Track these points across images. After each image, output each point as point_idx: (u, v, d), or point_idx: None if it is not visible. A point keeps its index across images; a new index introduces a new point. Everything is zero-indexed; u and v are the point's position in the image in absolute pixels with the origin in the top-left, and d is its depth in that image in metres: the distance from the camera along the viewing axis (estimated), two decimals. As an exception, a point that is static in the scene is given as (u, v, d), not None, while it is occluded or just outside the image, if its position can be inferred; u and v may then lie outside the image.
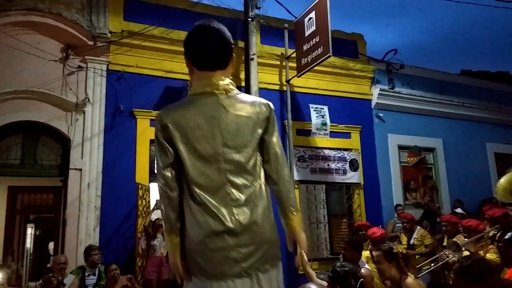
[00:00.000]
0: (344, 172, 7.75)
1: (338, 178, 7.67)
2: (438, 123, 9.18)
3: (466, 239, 4.88)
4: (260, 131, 1.79)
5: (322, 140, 7.67)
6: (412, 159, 8.63)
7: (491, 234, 5.07)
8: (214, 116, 1.72)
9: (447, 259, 4.70)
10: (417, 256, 5.93)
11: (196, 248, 1.68)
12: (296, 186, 7.19)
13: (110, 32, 6.47)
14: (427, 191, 8.59)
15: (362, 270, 4.04)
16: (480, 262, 2.78)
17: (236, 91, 1.83)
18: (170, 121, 1.72)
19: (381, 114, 8.46)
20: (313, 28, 6.75)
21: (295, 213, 1.85)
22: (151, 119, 6.49)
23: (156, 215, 6.57)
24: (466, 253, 4.52)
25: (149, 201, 6.37)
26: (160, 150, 1.74)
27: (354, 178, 7.81)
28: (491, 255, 4.39)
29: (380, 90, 8.43)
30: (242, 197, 1.70)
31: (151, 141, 6.49)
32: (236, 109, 1.76)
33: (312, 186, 7.71)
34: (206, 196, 1.68)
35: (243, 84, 7.01)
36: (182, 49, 7.08)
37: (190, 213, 1.70)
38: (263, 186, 1.79)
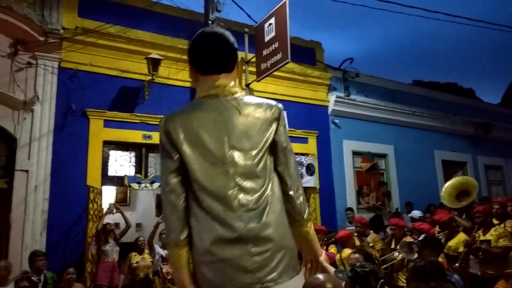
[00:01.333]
0: (301, 177, 7.87)
1: (295, 182, 7.77)
2: (390, 130, 9.56)
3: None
4: (269, 132, 1.69)
5: (280, 145, 7.75)
6: (365, 164, 8.92)
7: (440, 237, 5.34)
8: (220, 118, 1.64)
9: (397, 258, 4.89)
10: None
11: (203, 259, 1.55)
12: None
13: (63, 28, 6.21)
14: (379, 196, 8.90)
15: None
16: (432, 264, 2.93)
17: (242, 93, 1.76)
18: (173, 126, 1.63)
19: (337, 121, 8.69)
20: (273, 34, 6.83)
21: (305, 221, 1.76)
22: (105, 120, 6.30)
23: (108, 219, 6.37)
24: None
25: (101, 205, 6.16)
26: (164, 155, 1.66)
27: (310, 182, 7.95)
28: (440, 258, 4.62)
29: (336, 97, 8.66)
30: (251, 201, 1.59)
31: (105, 142, 6.30)
32: (243, 111, 1.68)
33: (270, 190, 7.75)
34: (213, 201, 1.58)
35: (202, 86, 6.96)
36: (139, 48, 6.97)
37: (196, 220, 1.59)
38: (275, 190, 1.69)
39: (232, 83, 1.74)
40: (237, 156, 1.62)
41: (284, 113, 1.81)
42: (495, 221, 5.24)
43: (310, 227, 1.77)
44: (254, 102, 1.74)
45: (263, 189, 1.63)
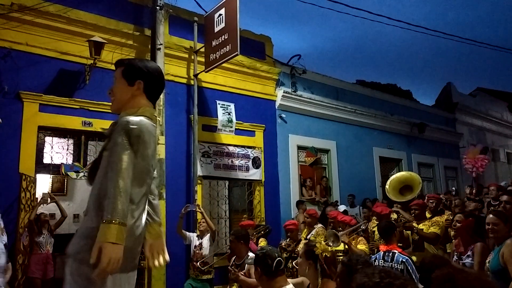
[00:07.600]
0: (247, 169, 7.93)
1: (241, 175, 7.83)
2: (333, 126, 9.90)
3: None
4: None
5: (227, 137, 7.75)
6: (309, 159, 9.17)
7: (363, 227, 5.71)
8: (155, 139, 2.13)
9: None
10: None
11: (130, 245, 1.86)
12: (199, 181, 7.17)
13: (-3, 3, 5.74)
14: (322, 190, 9.20)
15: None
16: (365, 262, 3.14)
17: None
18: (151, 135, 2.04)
19: (283, 115, 8.84)
20: (223, 25, 6.78)
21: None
22: (40, 104, 5.91)
23: (43, 209, 6.03)
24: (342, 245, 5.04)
25: (34, 194, 5.79)
26: (147, 151, 1.97)
27: (256, 175, 8.03)
28: (361, 246, 4.98)
29: (283, 92, 8.79)
30: (153, 204, 2.21)
31: (40, 128, 5.92)
32: None
33: (215, 182, 7.75)
34: (142, 200, 1.98)
35: (148, 74, 6.75)
36: (80, 30, 6.56)
37: (132, 212, 1.91)
38: None
39: None
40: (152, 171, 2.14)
41: None
42: (428, 215, 5.66)
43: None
44: None
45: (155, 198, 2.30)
